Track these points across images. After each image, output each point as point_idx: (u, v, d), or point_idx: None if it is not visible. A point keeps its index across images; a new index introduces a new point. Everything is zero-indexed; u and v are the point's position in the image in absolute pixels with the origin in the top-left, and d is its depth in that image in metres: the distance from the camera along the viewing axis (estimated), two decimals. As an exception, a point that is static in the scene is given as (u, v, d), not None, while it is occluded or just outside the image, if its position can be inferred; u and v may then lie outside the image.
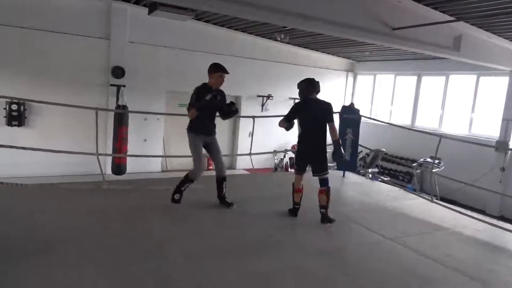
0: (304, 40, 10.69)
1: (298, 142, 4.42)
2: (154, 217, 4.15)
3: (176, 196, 4.40)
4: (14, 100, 7.87)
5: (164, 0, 4.96)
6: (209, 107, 4.25)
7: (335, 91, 13.13)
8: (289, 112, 4.38)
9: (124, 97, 9.05)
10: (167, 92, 10.20)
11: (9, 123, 8.07)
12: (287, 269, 3.27)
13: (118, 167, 8.60)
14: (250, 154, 6.44)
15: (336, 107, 12.52)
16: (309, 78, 4.37)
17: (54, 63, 8.56)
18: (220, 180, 4.56)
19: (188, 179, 4.38)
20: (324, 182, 4.33)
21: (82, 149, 6.65)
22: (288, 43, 11.18)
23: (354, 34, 6.33)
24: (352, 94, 13.54)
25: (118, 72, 9.07)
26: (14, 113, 8.09)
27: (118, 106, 8.78)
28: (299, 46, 11.78)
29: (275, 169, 11.06)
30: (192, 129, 4.33)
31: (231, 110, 4.48)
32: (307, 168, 4.49)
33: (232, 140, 11.73)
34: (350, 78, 13.47)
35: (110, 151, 8.85)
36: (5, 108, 8.04)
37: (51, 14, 8.32)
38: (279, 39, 10.12)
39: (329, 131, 4.22)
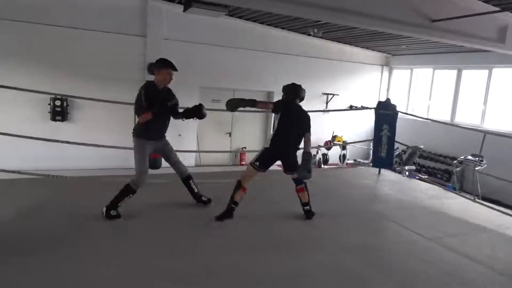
0: (338, 34, 10.49)
1: (271, 139, 4.08)
2: (185, 212, 4.21)
3: (113, 212, 3.80)
4: (57, 96, 8.24)
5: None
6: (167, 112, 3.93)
7: (369, 86, 12.84)
8: (279, 104, 4.15)
9: (159, 93, 9.22)
10: (200, 88, 10.33)
11: (53, 118, 8.47)
12: (322, 266, 3.25)
13: (154, 162, 8.79)
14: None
15: (371, 103, 12.38)
16: (296, 84, 4.29)
17: (93, 61, 8.86)
18: (187, 180, 4.27)
19: (129, 190, 3.82)
20: (298, 180, 4.18)
21: (121, 144, 6.86)
22: (321, 38, 11.01)
23: (391, 27, 6.13)
24: (388, 89, 13.17)
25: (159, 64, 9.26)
26: (58, 109, 8.47)
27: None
28: (332, 40, 11.58)
29: (307, 165, 10.97)
30: (142, 133, 3.85)
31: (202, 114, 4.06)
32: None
33: (264, 136, 11.74)
34: (385, 73, 13.10)
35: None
36: (49, 104, 8.43)
37: (91, 13, 8.62)
38: (312, 33, 9.99)
39: (304, 142, 4.05)
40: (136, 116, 3.82)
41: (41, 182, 5.02)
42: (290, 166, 4.14)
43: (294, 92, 4.19)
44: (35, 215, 3.84)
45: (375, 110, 6.27)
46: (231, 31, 10.17)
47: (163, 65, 3.89)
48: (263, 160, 4.06)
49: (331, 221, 4.33)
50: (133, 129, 3.92)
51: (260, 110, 4.99)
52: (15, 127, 5.66)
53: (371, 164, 6.47)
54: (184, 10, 6.86)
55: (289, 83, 4.32)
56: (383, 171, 6.54)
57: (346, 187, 5.84)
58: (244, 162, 11.24)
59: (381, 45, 11.61)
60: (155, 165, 9.02)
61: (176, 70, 3.96)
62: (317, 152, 11.11)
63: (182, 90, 9.86)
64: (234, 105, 3.95)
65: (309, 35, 10.54)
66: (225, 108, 4.01)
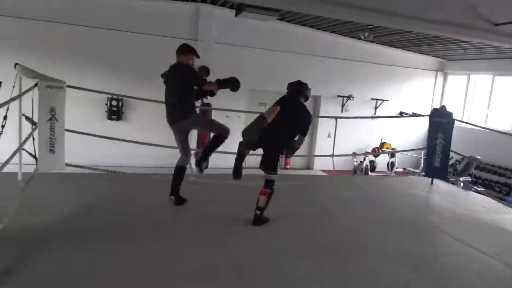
0: (390, 38, 10.20)
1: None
2: (232, 210, 4.27)
3: (204, 166, 4.08)
4: (113, 97, 8.71)
5: (251, 1, 5.08)
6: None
7: (421, 92, 12.36)
8: (277, 101, 4.03)
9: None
10: (248, 91, 10.46)
11: (109, 117, 8.96)
12: (370, 273, 3.17)
13: (201, 162, 9.02)
14: (332, 155, 6.30)
15: (423, 110, 11.88)
16: (302, 81, 4.11)
17: (147, 63, 9.25)
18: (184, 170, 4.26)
19: (223, 139, 4.04)
20: (268, 184, 3.89)
21: (171, 143, 7.10)
22: (372, 42, 10.77)
23: (449, 31, 5.89)
24: (442, 96, 12.59)
25: (204, 71, 9.53)
26: (114, 108, 8.95)
27: (203, 103, 9.22)
28: (383, 45, 11.28)
29: (354, 171, 10.74)
30: (194, 109, 4.13)
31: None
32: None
33: (310, 140, 11.65)
34: (440, 79, 12.53)
35: (194, 146, 9.35)
36: (106, 104, 8.93)
37: (145, 18, 9.05)
38: (362, 37, 9.79)
39: (297, 140, 3.97)
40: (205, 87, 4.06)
41: (101, 177, 5.34)
42: (265, 161, 3.91)
43: (296, 89, 4.05)
44: (96, 207, 4.07)
45: (430, 118, 6.00)
46: (280, 35, 10.22)
47: (194, 52, 4.12)
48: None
49: (380, 229, 4.19)
50: (184, 112, 4.00)
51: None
52: (77, 125, 6.05)
53: (422, 173, 6.19)
54: (236, 15, 7.00)
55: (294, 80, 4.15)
56: (436, 181, 6.24)
57: (396, 195, 5.64)
58: (289, 166, 11.22)
59: (436, 49, 11.13)
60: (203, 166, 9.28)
61: (198, 57, 4.17)
62: (364, 159, 10.84)
63: (231, 92, 10.17)
64: (250, 135, 3.79)
65: (359, 39, 10.33)
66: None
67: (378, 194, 5.66)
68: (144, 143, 5.92)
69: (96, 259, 2.98)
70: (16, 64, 4.48)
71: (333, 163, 6.40)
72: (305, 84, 4.08)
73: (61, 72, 5.13)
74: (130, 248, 3.23)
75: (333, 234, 3.94)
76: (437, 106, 12.23)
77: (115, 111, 9.00)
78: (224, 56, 9.86)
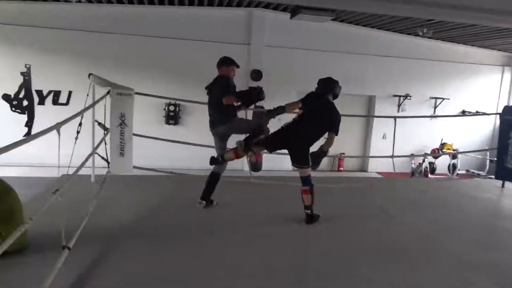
0: (450, 33, 9.66)
1: (287, 124, 3.94)
2: (285, 210, 4.26)
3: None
4: (171, 102, 9.08)
5: (308, 3, 5.06)
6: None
7: (486, 89, 11.55)
8: (303, 98, 4.03)
9: (261, 98, 9.58)
10: (298, 92, 10.41)
11: (167, 122, 9.35)
12: (441, 280, 3.02)
13: (255, 165, 9.12)
14: (392, 156, 6.09)
15: (488, 108, 11.12)
16: (333, 78, 4.07)
17: (202, 69, 9.51)
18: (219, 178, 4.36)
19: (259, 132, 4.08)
20: (305, 181, 3.89)
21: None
22: (431, 38, 10.25)
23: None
24: (510, 93, 11.69)
25: (257, 75, 9.67)
26: (171, 113, 9.33)
27: (256, 107, 9.32)
28: (443, 40, 10.70)
29: (412, 174, 10.28)
30: (234, 114, 4.23)
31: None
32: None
33: (364, 141, 11.35)
34: (507, 74, 11.64)
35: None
36: (164, 109, 9.33)
37: (201, 25, 9.33)
38: (421, 34, 9.37)
39: (327, 138, 3.91)
40: (225, 100, 4.06)
41: (167, 179, 5.60)
42: (294, 156, 3.93)
43: (325, 86, 4.01)
44: (164, 208, 4.28)
45: (501, 116, 5.61)
46: (331, 35, 10.07)
47: (230, 63, 4.38)
48: (269, 138, 3.98)
49: (448, 234, 3.99)
50: (224, 118, 4.16)
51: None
52: (137, 130, 6.40)
53: (489, 176, 5.80)
54: (291, 17, 7.00)
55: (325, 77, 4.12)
56: (507, 184, 5.82)
57: (463, 199, 5.34)
58: (342, 168, 11.01)
59: (502, 43, 10.36)
60: (256, 167, 9.39)
61: (238, 67, 4.43)
62: (423, 161, 10.34)
63: (285, 95, 10.19)
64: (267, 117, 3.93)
65: (417, 35, 9.90)
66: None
67: (442, 197, 5.40)
68: (200, 145, 6.10)
69: (167, 261, 3.11)
70: (90, 74, 4.83)
71: (393, 165, 6.17)
72: (336, 82, 4.05)
73: (125, 80, 5.44)
74: (196, 249, 3.35)
75: (398, 237, 3.82)
76: (508, 104, 11.52)
77: (173, 116, 9.37)
78: (276, 58, 9.91)
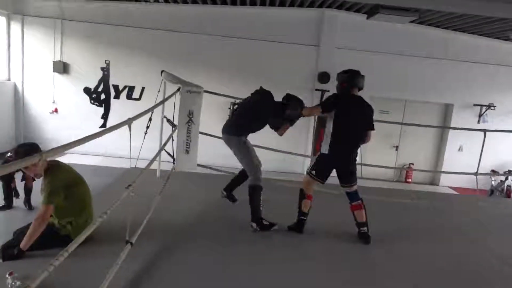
0: (549, 37, 8.59)
1: (329, 143, 3.48)
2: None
3: (265, 222, 3.66)
4: (236, 101, 9.11)
5: (389, 2, 4.71)
6: None
7: None
8: (328, 102, 3.59)
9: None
10: (368, 98, 9.90)
11: (231, 121, 9.42)
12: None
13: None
14: (476, 174, 5.49)
15: None
16: (354, 70, 3.62)
17: (268, 69, 9.45)
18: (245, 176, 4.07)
19: (258, 189, 3.69)
20: (354, 196, 3.59)
21: (293, 149, 7.10)
22: (523, 42, 9.21)
23: None
24: None
25: (324, 77, 9.37)
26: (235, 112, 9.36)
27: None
28: (538, 46, 9.56)
29: (491, 192, 9.30)
30: (242, 131, 4.00)
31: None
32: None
33: (437, 153, 10.51)
34: None
35: (309, 151, 9.27)
36: (229, 108, 9.41)
37: (270, 25, 9.26)
38: (511, 37, 8.44)
39: (365, 137, 3.64)
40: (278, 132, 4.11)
41: (227, 178, 5.54)
42: (348, 175, 3.57)
43: (357, 80, 3.59)
44: (224, 208, 4.24)
45: None
46: (408, 38, 9.44)
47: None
48: (320, 169, 3.59)
49: None
50: (231, 129, 3.99)
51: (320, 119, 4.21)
52: (202, 128, 6.48)
53: None
54: (368, 18, 6.62)
55: (345, 70, 3.69)
56: None
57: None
58: (410, 180, 10.31)
59: None
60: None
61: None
62: (507, 178, 9.29)
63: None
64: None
65: (507, 39, 8.95)
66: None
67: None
68: (266, 147, 6.00)
69: (225, 261, 3.04)
70: (162, 71, 4.95)
71: (477, 182, 5.56)
72: (358, 72, 3.66)
73: (194, 78, 5.49)
74: (246, 253, 3.24)
75: (486, 269, 3.36)
76: None
77: (237, 115, 9.41)
78: (346, 61, 9.48)
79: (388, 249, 3.59)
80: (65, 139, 2.83)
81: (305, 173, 3.70)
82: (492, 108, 9.90)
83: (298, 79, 9.54)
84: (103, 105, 9.54)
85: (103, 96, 9.50)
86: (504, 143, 9.73)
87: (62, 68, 9.14)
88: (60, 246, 2.17)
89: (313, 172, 3.61)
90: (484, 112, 9.96)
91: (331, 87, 9.48)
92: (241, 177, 4.24)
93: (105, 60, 9.33)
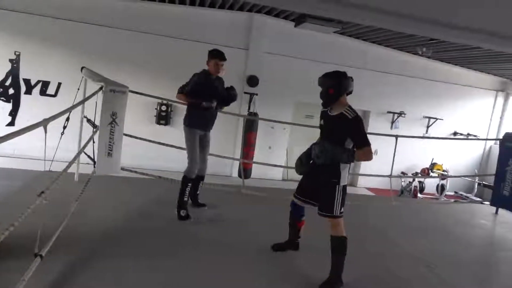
0: (450, 54, 9.69)
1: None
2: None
3: (183, 213, 3.90)
4: (163, 102, 8.83)
5: (313, 12, 4.93)
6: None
7: (479, 112, 11.63)
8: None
9: (255, 104, 9.43)
10: (295, 103, 10.29)
11: (158, 122, 9.10)
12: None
13: (245, 172, 8.92)
14: (390, 176, 5.97)
15: (479, 131, 11.21)
16: (340, 71, 3.19)
17: (195, 70, 9.32)
18: (199, 179, 4.29)
19: (186, 181, 3.95)
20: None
21: (217, 151, 7.02)
22: (429, 57, 10.27)
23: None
24: (501, 118, 11.78)
25: (253, 81, 9.50)
26: (163, 113, 9.08)
27: (250, 113, 9.16)
28: (440, 61, 10.73)
29: (401, 192, 10.22)
30: (192, 123, 4.08)
31: (230, 97, 4.20)
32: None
33: (355, 156, 11.23)
34: (500, 99, 11.74)
35: (238, 155, 9.29)
36: (156, 109, 9.08)
37: (200, 26, 9.12)
38: (420, 52, 9.36)
39: (357, 154, 2.89)
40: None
41: (154, 182, 5.33)
42: (320, 205, 3.01)
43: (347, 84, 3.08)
44: (146, 212, 4.04)
45: (501, 142, 5.55)
46: (330, 47, 9.95)
47: (211, 56, 4.09)
48: (298, 187, 3.25)
49: (456, 269, 3.76)
50: (184, 119, 4.18)
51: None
52: (129, 128, 6.15)
53: (478, 199, 5.73)
54: (296, 26, 6.86)
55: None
56: (501, 211, 5.75)
57: (459, 226, 5.22)
58: (332, 182, 10.87)
59: (497, 68, 10.45)
60: (246, 174, 9.19)
61: (223, 60, 4.09)
62: (414, 180, 10.28)
63: (278, 104, 10.06)
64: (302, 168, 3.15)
65: (415, 54, 9.91)
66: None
67: (441, 224, 5.24)
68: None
69: (146, 271, 2.90)
70: (83, 67, 4.59)
71: (391, 184, 6.04)
72: (344, 73, 3.21)
73: (117, 76, 5.19)
74: (177, 260, 3.14)
75: (401, 268, 3.62)
76: (498, 128, 11.58)
77: (164, 116, 9.12)
78: (273, 66, 9.77)
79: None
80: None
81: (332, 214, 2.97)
82: (403, 115, 10.89)
83: (227, 81, 9.47)
84: (11, 100, 8.57)
85: (11, 91, 8.54)
86: (412, 147, 10.77)
87: (-41, 57, 8.05)
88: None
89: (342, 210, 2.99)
90: (396, 119, 10.91)
91: (260, 91, 9.66)
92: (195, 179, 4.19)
93: (15, 52, 8.40)
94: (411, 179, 10.28)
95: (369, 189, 10.41)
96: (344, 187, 2.99)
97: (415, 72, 10.77)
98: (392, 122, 10.98)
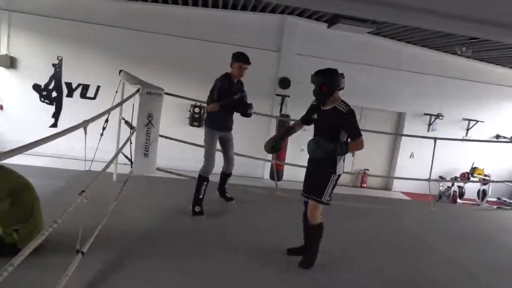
0: (491, 54, 9.26)
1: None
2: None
3: (197, 208, 4.01)
4: (197, 104, 8.98)
5: (348, 12, 4.86)
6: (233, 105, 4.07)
7: (524, 114, 11.03)
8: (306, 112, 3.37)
9: (287, 106, 9.41)
10: (327, 104, 10.16)
11: (191, 124, 9.28)
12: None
13: (277, 173, 8.91)
14: (429, 180, 5.76)
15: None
16: (332, 68, 3.20)
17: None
18: (226, 175, 4.49)
19: (202, 179, 4.01)
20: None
21: (249, 152, 7.06)
22: (468, 57, 9.84)
23: None
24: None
25: (285, 83, 9.49)
26: (196, 115, 9.25)
27: (282, 115, 9.14)
28: (480, 61, 10.27)
29: (440, 197, 9.84)
30: (212, 124, 4.10)
31: (247, 113, 4.13)
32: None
33: (390, 160, 10.96)
34: (545, 100, 11.08)
35: (270, 157, 9.29)
36: (189, 110, 9.25)
37: (234, 29, 9.21)
38: (459, 52, 8.99)
39: (350, 145, 2.99)
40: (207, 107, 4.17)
41: (188, 183, 5.42)
42: (308, 188, 3.15)
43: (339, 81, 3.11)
44: (183, 214, 4.12)
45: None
46: (366, 48, 9.80)
47: (236, 59, 4.07)
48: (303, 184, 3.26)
49: (498, 276, 3.57)
50: (205, 120, 4.29)
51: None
52: (163, 129, 6.30)
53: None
54: (329, 27, 6.79)
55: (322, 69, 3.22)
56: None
57: (503, 233, 4.96)
58: (365, 185, 10.67)
59: (544, 67, 9.88)
60: (277, 176, 9.17)
61: (248, 63, 4.08)
62: (453, 184, 9.87)
63: (308, 104, 9.97)
64: (271, 145, 3.30)
65: (454, 53, 9.53)
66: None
67: (487, 233, 4.96)
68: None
69: (184, 271, 2.95)
70: (120, 70, 4.75)
71: (430, 188, 5.84)
72: (335, 70, 3.24)
73: (153, 79, 5.32)
74: (211, 261, 3.17)
75: (438, 274, 3.49)
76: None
77: (197, 118, 9.28)
78: (306, 68, 9.65)
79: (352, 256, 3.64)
80: (11, 138, 2.63)
81: (319, 199, 3.06)
82: (441, 117, 10.51)
83: (259, 83, 9.54)
84: (54, 103, 9.02)
85: (54, 94, 8.99)
86: (450, 150, 10.36)
87: (9, 62, 8.54)
88: (5, 255, 2.02)
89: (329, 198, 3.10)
90: (433, 121, 10.54)
91: (291, 93, 9.62)
92: (222, 174, 4.48)
93: (58, 56, 8.84)
94: (450, 184, 9.88)
95: (404, 193, 10.10)
96: (339, 176, 3.10)
97: (453, 72, 10.37)
98: (429, 124, 10.61)
